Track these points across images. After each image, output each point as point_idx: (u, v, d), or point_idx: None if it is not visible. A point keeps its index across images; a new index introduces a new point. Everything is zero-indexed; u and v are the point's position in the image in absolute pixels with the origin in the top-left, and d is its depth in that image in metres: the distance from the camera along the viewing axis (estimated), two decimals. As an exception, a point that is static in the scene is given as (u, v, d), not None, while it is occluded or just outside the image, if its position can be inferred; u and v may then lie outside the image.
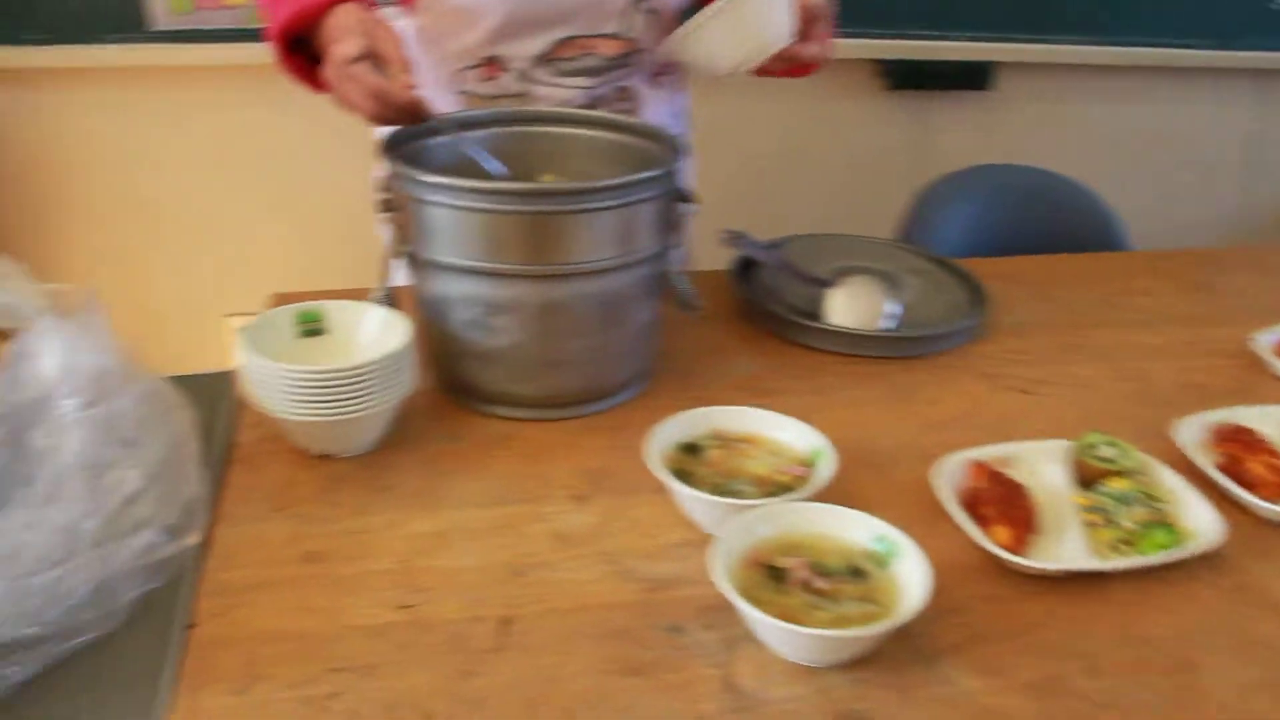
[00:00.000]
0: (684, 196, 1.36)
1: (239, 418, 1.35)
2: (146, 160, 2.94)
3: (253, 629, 1.03)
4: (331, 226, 2.95)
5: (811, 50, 1.58)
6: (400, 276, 1.37)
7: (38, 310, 1.20)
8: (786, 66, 1.60)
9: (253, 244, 3.07)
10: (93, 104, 2.86)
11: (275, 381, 1.20)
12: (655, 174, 1.28)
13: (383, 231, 1.38)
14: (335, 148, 2.55)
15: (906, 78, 3.32)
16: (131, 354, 1.18)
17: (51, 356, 1.11)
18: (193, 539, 1.11)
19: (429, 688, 0.96)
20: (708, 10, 1.52)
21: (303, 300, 1.36)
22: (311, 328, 1.33)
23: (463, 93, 1.69)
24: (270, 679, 0.97)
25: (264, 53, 1.41)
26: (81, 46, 2.73)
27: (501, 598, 1.06)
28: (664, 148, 1.41)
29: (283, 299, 1.54)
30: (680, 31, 1.55)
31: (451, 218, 1.25)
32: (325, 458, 1.28)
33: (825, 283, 1.61)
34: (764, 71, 1.61)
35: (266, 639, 1.01)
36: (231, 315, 3.03)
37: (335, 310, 1.34)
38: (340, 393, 1.20)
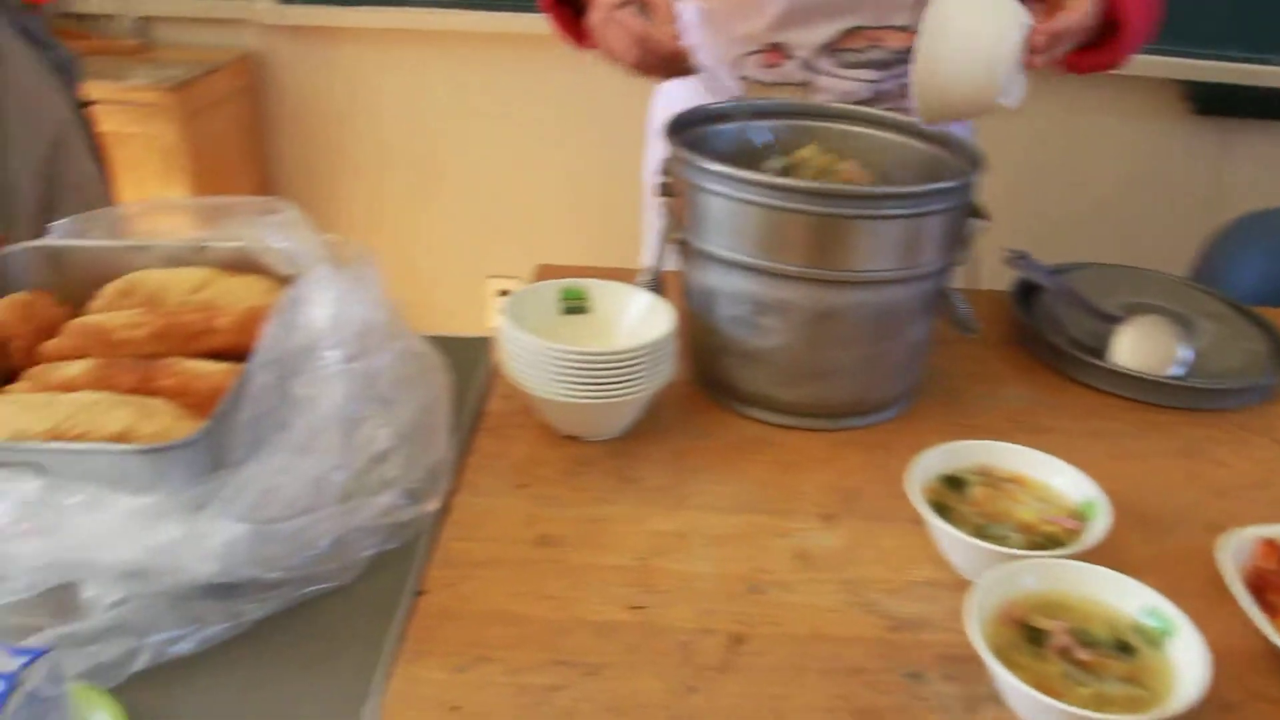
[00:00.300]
0: (976, 211, 1.27)
1: (491, 386, 1.34)
2: (430, 121, 3.03)
3: (480, 606, 1.01)
4: (600, 203, 2.97)
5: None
6: (669, 262, 1.33)
7: (315, 259, 1.23)
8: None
9: (522, 212, 3.12)
10: (389, 63, 2.96)
11: (535, 358, 1.18)
12: (951, 185, 1.20)
13: (655, 215, 1.34)
14: (613, 126, 2.55)
15: (1213, 102, 3.07)
16: (396, 311, 1.18)
17: (323, 306, 1.13)
18: (432, 504, 1.10)
19: (650, 698, 0.92)
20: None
21: (568, 275, 1.34)
22: (574, 305, 1.31)
23: (743, 78, 1.64)
24: (492, 661, 0.95)
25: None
26: (385, 8, 2.82)
27: (734, 613, 1.01)
28: (959, 157, 1.32)
29: (547, 271, 1.53)
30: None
31: (730, 209, 1.20)
32: (572, 439, 1.25)
33: (1113, 318, 1.49)
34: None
35: (493, 618, 1.00)
36: (494, 277, 3.09)
37: (599, 290, 1.32)
38: (600, 376, 1.17)
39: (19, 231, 1.53)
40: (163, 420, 0.97)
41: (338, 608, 1.01)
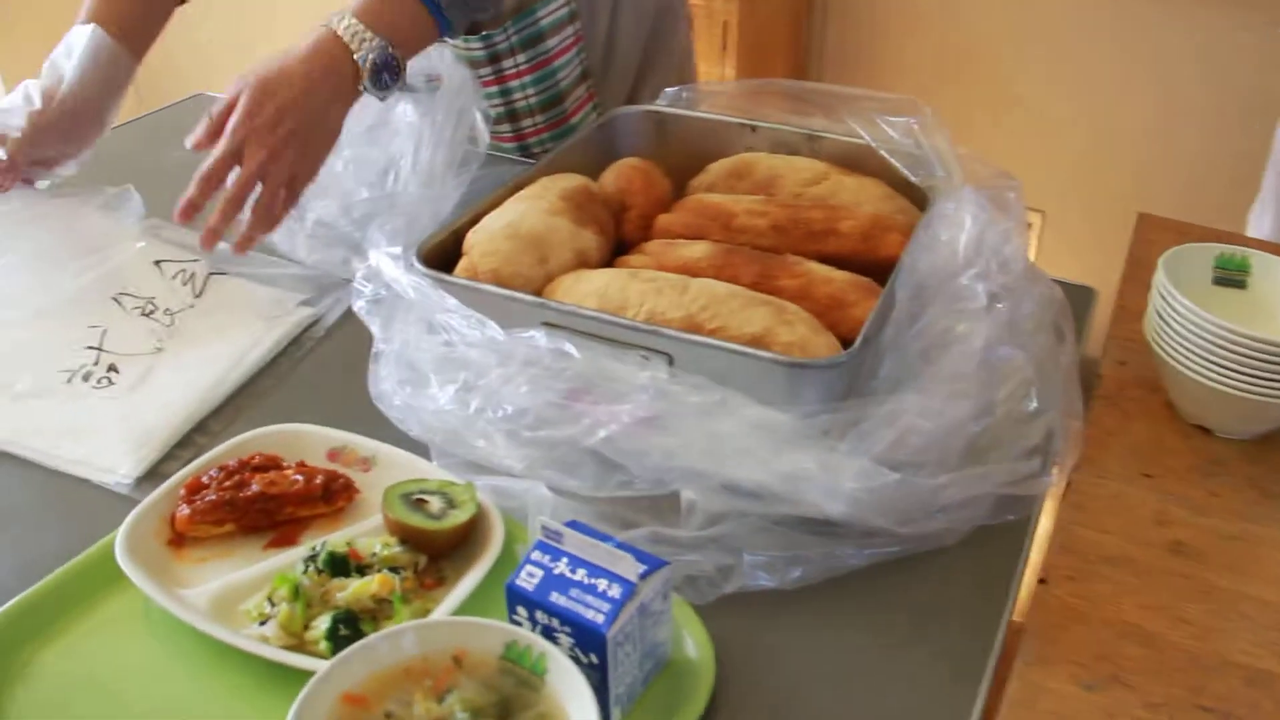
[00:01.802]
0: None
1: (1106, 348, 1.17)
2: (1007, 40, 2.75)
3: (1110, 613, 0.86)
4: (1199, 148, 2.62)
5: None
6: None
7: (950, 174, 1.09)
8: None
9: (1090, 146, 2.79)
10: None
11: (1190, 330, 0.99)
12: None
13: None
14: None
15: None
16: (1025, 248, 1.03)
17: (965, 231, 0.99)
18: (1058, 478, 0.95)
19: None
20: None
21: (1222, 241, 1.13)
22: (1230, 276, 1.10)
23: None
24: (1126, 685, 0.80)
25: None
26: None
27: None
28: None
29: (1151, 224, 1.32)
30: None
31: None
32: (1200, 430, 1.06)
33: None
34: None
35: (1125, 632, 0.84)
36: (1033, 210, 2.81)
37: (1263, 264, 1.10)
38: (1263, 368, 0.96)
39: (612, 95, 1.50)
40: (800, 330, 0.87)
41: (938, 573, 0.89)
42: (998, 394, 0.91)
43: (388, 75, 1.08)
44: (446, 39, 1.16)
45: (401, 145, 1.26)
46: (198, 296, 1.18)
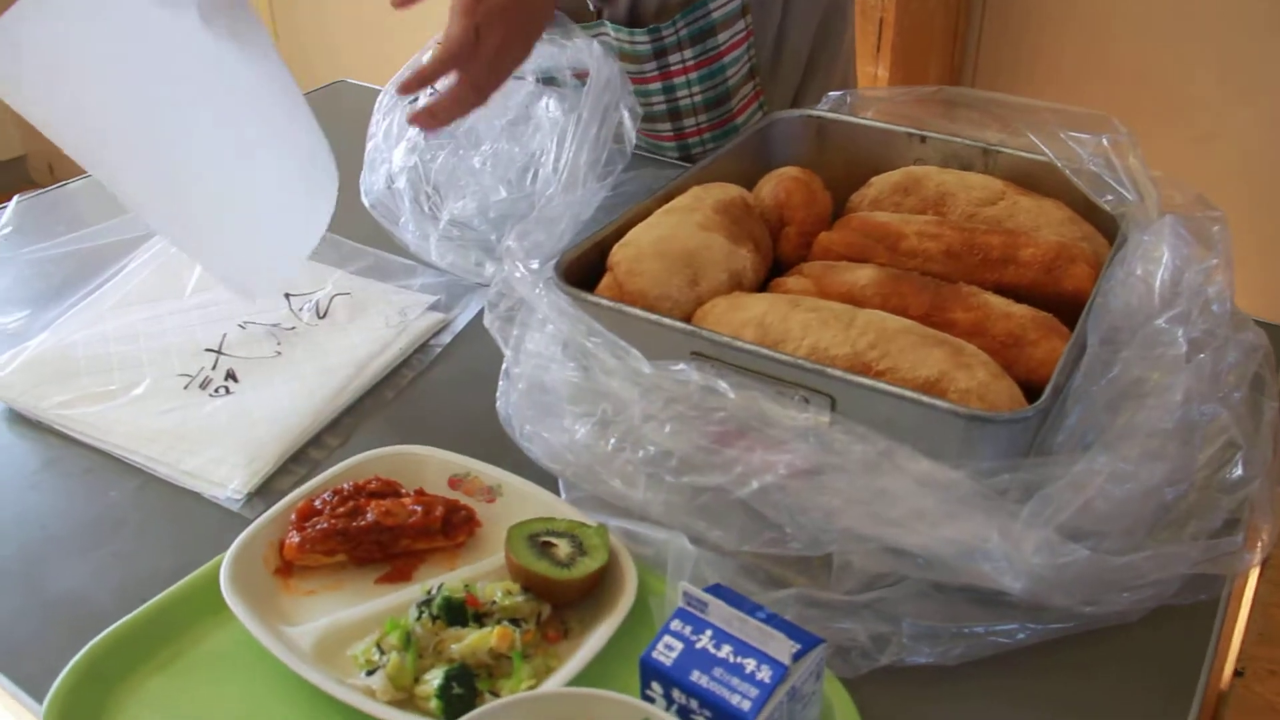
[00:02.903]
0: None
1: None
2: (1159, 49, 2.57)
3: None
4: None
5: None
6: None
7: (1146, 201, 0.98)
8: None
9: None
10: None
11: None
12: None
13: None
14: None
15: None
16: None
17: (1162, 268, 0.89)
18: (1250, 554, 0.84)
19: None
20: None
21: None
22: None
23: None
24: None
25: None
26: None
27: None
28: None
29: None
30: None
31: None
32: None
33: None
34: None
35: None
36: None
37: None
38: None
39: (779, 95, 1.41)
40: (980, 374, 0.78)
41: (1117, 654, 0.79)
42: (1198, 457, 0.81)
43: None
44: (611, 30, 1.10)
45: (543, 142, 1.20)
46: (321, 318, 1.13)
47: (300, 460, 0.96)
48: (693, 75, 1.33)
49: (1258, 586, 0.85)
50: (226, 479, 0.92)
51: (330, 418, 1.00)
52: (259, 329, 1.10)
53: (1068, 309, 0.91)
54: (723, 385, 0.74)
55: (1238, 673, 0.78)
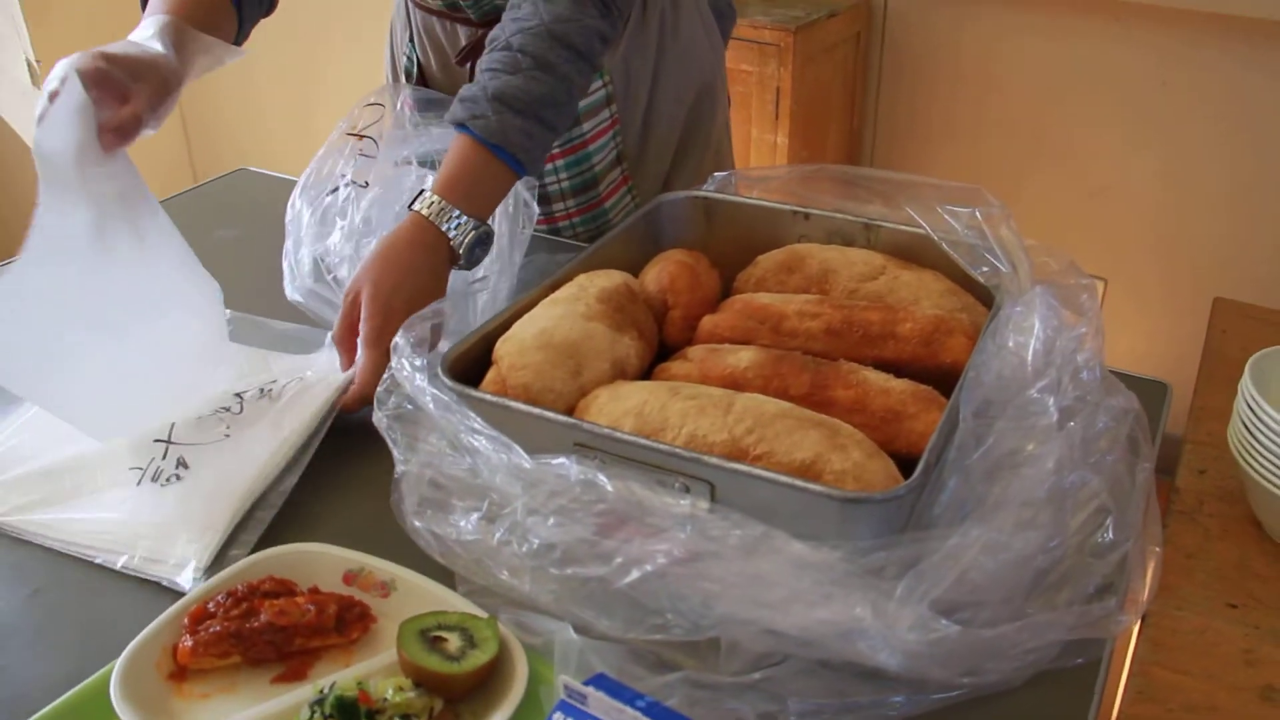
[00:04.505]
0: None
1: (1183, 454, 1.08)
2: (1053, 101, 2.63)
3: (1198, 774, 0.77)
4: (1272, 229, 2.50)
5: None
6: None
7: (1019, 271, 1.02)
8: None
9: (1140, 217, 2.64)
10: (1022, 26, 2.61)
11: (1278, 443, 0.91)
12: None
13: None
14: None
15: None
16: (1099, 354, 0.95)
17: (1033, 337, 0.92)
18: (1132, 614, 0.86)
19: None
20: None
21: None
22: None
23: None
24: None
25: None
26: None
27: None
28: None
29: (1226, 309, 1.24)
30: None
31: None
32: (1291, 550, 0.98)
33: None
34: None
35: (1215, 798, 0.76)
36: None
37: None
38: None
39: (647, 178, 1.44)
40: (854, 455, 0.80)
41: (1001, 717, 0.80)
42: (1070, 523, 0.83)
43: (479, 250, 1.12)
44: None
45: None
46: (271, 399, 1.13)
47: (248, 527, 0.97)
48: (559, 163, 1.37)
49: (1137, 646, 0.88)
50: (184, 558, 0.93)
51: (269, 481, 1.01)
52: (208, 416, 1.09)
53: (947, 381, 0.93)
54: (601, 478, 0.76)
55: (1119, 731, 0.80)
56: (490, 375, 0.90)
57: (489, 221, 1.12)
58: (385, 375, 0.90)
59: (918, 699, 0.78)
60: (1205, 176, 2.54)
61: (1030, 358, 0.91)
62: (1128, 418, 0.93)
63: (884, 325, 0.97)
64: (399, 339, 0.90)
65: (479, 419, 0.81)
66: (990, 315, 0.97)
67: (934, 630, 0.72)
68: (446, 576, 0.87)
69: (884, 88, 2.80)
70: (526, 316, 0.94)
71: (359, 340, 1.07)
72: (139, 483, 1.02)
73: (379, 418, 0.90)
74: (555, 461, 0.77)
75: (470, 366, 0.92)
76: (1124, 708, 0.82)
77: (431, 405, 0.84)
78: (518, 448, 0.79)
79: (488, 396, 0.85)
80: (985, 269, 1.03)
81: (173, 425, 1.07)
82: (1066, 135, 2.64)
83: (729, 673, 0.77)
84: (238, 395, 1.12)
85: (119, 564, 0.94)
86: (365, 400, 1.05)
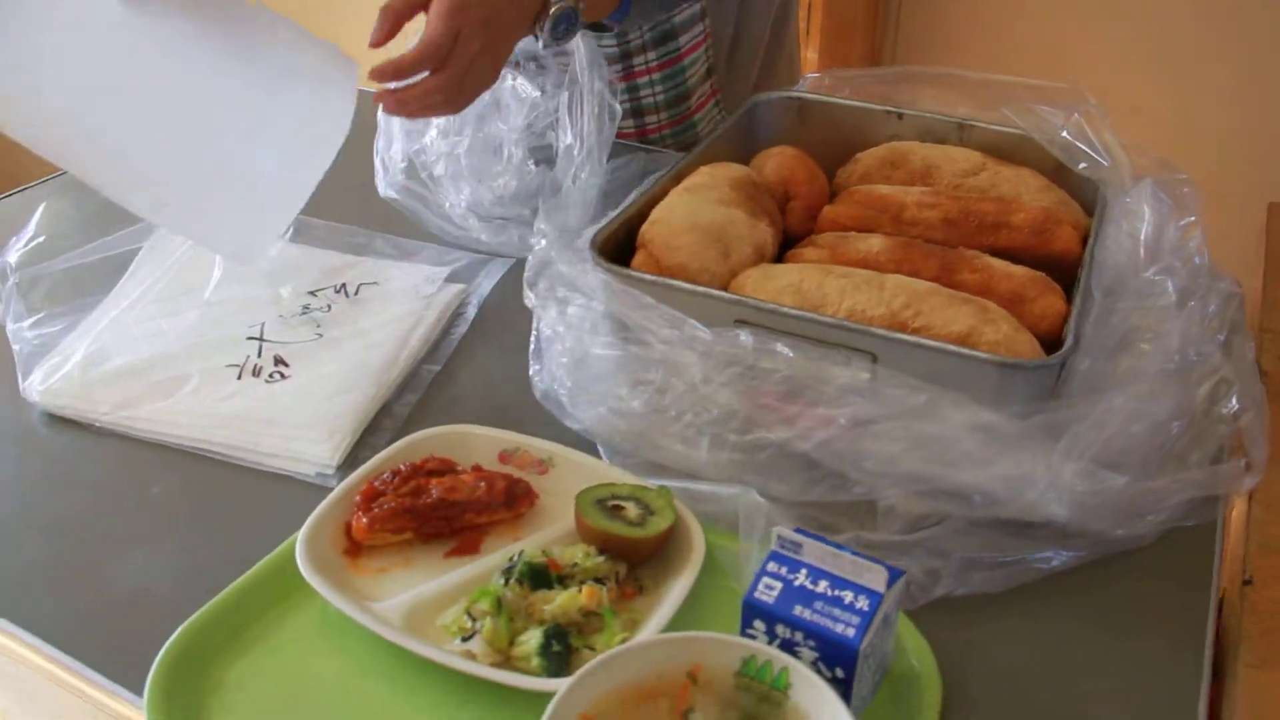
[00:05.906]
0: None
1: (1261, 343, 1.14)
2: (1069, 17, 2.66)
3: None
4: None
5: None
6: None
7: (1119, 167, 1.06)
8: None
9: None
10: None
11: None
12: None
13: None
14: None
15: None
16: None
17: (1145, 225, 0.97)
18: (1250, 478, 0.92)
19: None
20: None
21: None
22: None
23: None
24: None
25: None
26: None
27: None
28: None
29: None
30: None
31: None
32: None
33: None
34: None
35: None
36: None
37: None
38: None
39: (735, 91, 1.48)
40: (1004, 328, 0.85)
41: (1136, 574, 0.86)
42: (1196, 393, 0.88)
43: (564, 25, 1.08)
44: (611, 26, 1.15)
45: (521, 121, 1.25)
46: (350, 298, 1.16)
47: (376, 431, 0.99)
48: (655, 75, 1.40)
49: (1250, 508, 0.94)
50: (313, 455, 0.95)
51: (391, 389, 1.04)
52: (294, 316, 1.12)
53: (1056, 268, 0.98)
54: (781, 347, 0.80)
55: (1246, 581, 0.86)
56: (639, 258, 0.93)
57: (578, 20, 1.10)
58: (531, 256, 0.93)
59: (1066, 554, 0.84)
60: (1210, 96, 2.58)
61: (1144, 244, 0.96)
62: (1233, 301, 0.98)
63: (998, 215, 1.01)
64: (543, 224, 0.93)
65: (648, 297, 0.85)
66: (1099, 205, 1.01)
67: (1100, 481, 0.77)
68: (592, 451, 0.92)
69: (905, 6, 2.83)
70: (663, 204, 0.97)
71: (431, 11, 1.00)
72: (239, 377, 1.04)
73: (530, 298, 0.93)
74: (730, 333, 0.81)
75: (614, 250, 0.94)
76: (1251, 560, 0.88)
77: (593, 285, 0.87)
78: (693, 320, 0.82)
79: (647, 276, 0.88)
80: (1084, 165, 1.07)
81: (263, 323, 1.10)
82: (1090, 57, 2.67)
83: (888, 533, 0.82)
84: (312, 293, 1.15)
85: (239, 458, 0.96)
86: (401, 107, 1.03)
